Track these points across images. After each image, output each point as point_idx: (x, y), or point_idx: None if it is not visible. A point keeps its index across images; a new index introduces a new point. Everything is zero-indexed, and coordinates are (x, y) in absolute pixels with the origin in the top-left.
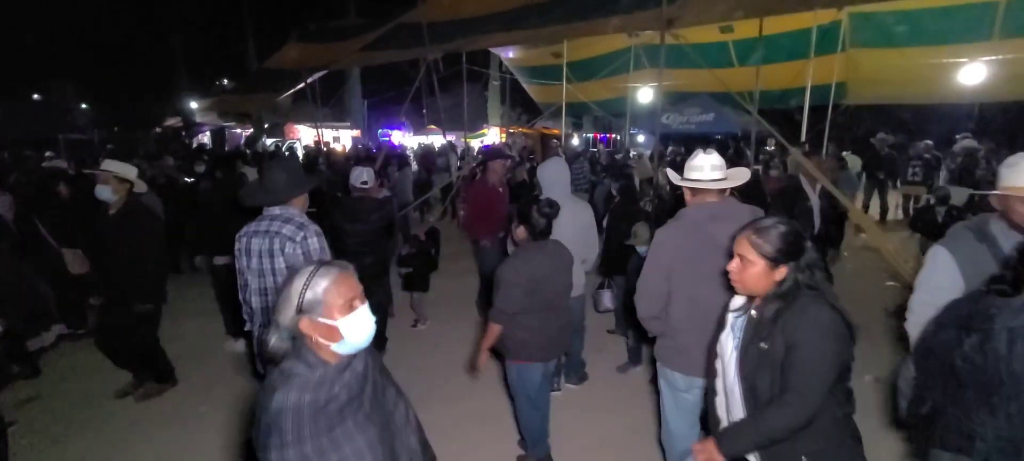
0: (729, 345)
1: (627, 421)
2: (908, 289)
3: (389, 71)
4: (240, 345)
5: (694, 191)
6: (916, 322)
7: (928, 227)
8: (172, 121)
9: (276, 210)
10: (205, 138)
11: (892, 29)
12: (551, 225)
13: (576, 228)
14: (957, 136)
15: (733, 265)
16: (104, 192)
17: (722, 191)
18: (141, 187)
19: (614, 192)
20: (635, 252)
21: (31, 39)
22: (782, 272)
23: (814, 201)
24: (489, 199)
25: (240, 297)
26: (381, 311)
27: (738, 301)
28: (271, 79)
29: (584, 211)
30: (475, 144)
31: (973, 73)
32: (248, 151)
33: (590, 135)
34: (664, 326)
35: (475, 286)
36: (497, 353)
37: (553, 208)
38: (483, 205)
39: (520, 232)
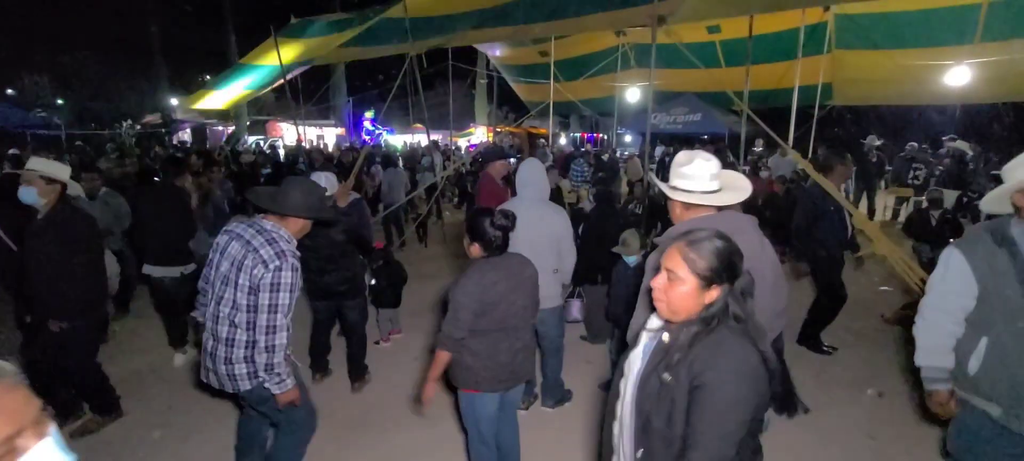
0: (635, 368)
1: None
2: (907, 294)
3: (374, 69)
4: (180, 358)
5: (687, 205)
6: (925, 327)
7: (921, 230)
8: (151, 118)
9: (268, 223)
10: (185, 135)
11: (876, 31)
12: (507, 238)
13: (548, 235)
14: (944, 138)
15: (658, 280)
16: (28, 195)
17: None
18: (76, 190)
19: (590, 198)
20: (621, 260)
21: (4, 35)
22: (714, 294)
23: (842, 205)
24: (496, 200)
25: (199, 286)
26: (356, 335)
27: (656, 321)
28: (248, 75)
29: (557, 216)
30: (462, 143)
31: (958, 75)
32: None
33: (578, 134)
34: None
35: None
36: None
37: (508, 219)
38: (494, 201)
39: (474, 249)
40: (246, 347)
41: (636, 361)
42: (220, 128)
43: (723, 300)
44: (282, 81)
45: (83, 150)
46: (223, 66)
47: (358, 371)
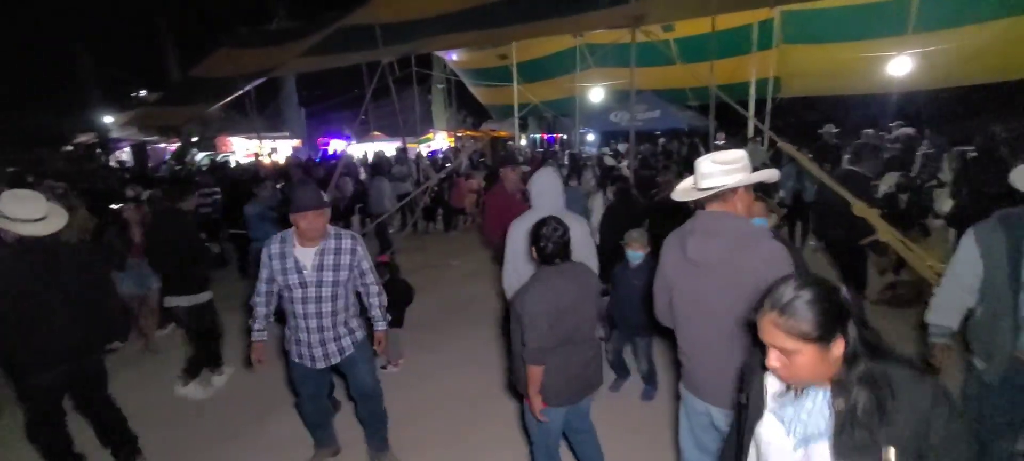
0: (778, 441)
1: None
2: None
3: (327, 78)
4: (195, 390)
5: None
6: (940, 291)
7: (891, 215)
8: (85, 137)
9: (331, 229)
10: (124, 155)
11: (817, 26)
12: (566, 244)
13: (574, 243)
14: (892, 124)
15: (774, 360)
16: None
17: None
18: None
19: (609, 196)
20: (622, 261)
21: None
22: (840, 346)
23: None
24: (508, 207)
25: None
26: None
27: (775, 384)
28: (200, 88)
29: (576, 226)
30: (422, 150)
31: (900, 65)
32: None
33: (537, 136)
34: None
35: (452, 304)
36: (513, 388)
37: (558, 227)
38: (503, 213)
39: (534, 255)
40: (347, 313)
41: (773, 434)
42: (162, 145)
43: (854, 345)
44: (242, 92)
45: (18, 176)
46: (161, 80)
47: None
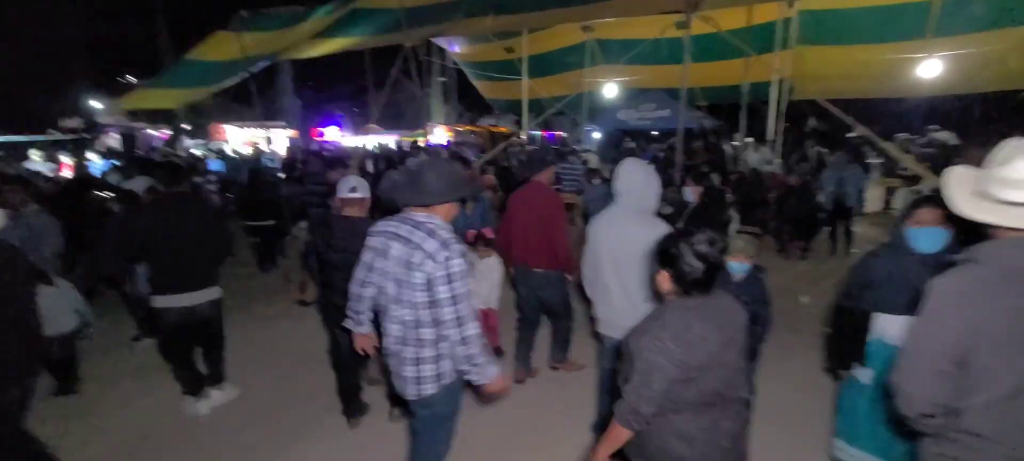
0: None
1: None
2: None
3: (323, 69)
4: (203, 406)
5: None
6: None
7: None
8: (71, 122)
9: (420, 216)
10: (113, 141)
11: (836, 27)
12: (716, 272)
13: (644, 258)
14: (928, 128)
15: None
16: None
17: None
18: None
19: (688, 199)
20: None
21: None
22: None
23: None
24: (539, 217)
25: (356, 291)
26: None
27: None
28: (196, 72)
29: (664, 230)
30: (421, 144)
31: (929, 68)
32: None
33: (537, 132)
34: (950, 424)
35: None
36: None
37: (719, 245)
38: (533, 223)
39: (665, 282)
40: (435, 346)
41: None
42: (153, 132)
43: None
44: (241, 78)
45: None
46: (153, 64)
47: (404, 408)
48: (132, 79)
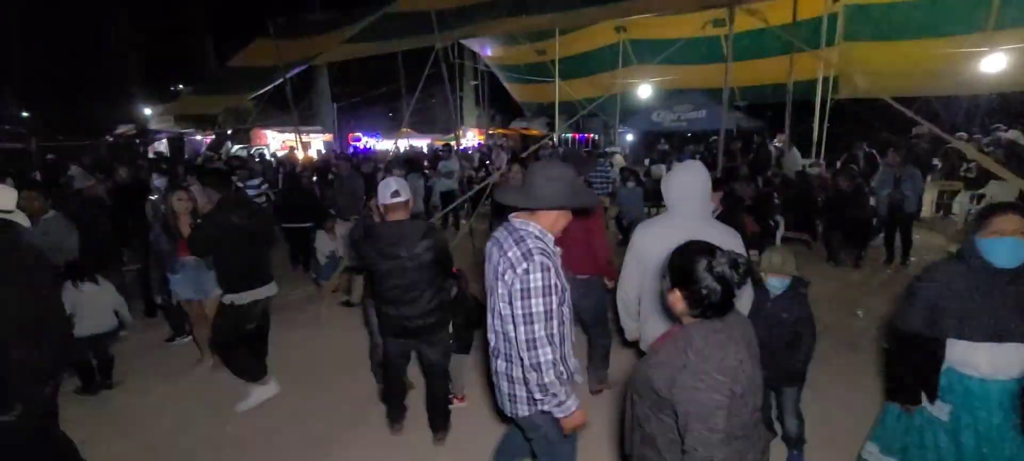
0: None
1: None
2: None
3: (359, 74)
4: (258, 395)
5: None
6: None
7: None
8: (125, 128)
9: (517, 221)
10: (162, 146)
11: (882, 21)
12: (733, 292)
13: None
14: (992, 128)
15: None
16: None
17: None
18: (21, 220)
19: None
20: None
21: None
22: None
23: None
24: (581, 222)
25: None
26: (439, 377)
27: None
28: (237, 79)
29: (733, 240)
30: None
31: (993, 63)
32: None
33: (569, 134)
34: None
35: None
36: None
37: (743, 266)
38: (574, 230)
39: (679, 303)
40: (522, 366)
41: None
42: (198, 137)
43: None
44: (282, 81)
45: (56, 163)
46: (199, 73)
47: (442, 419)
48: (181, 86)
